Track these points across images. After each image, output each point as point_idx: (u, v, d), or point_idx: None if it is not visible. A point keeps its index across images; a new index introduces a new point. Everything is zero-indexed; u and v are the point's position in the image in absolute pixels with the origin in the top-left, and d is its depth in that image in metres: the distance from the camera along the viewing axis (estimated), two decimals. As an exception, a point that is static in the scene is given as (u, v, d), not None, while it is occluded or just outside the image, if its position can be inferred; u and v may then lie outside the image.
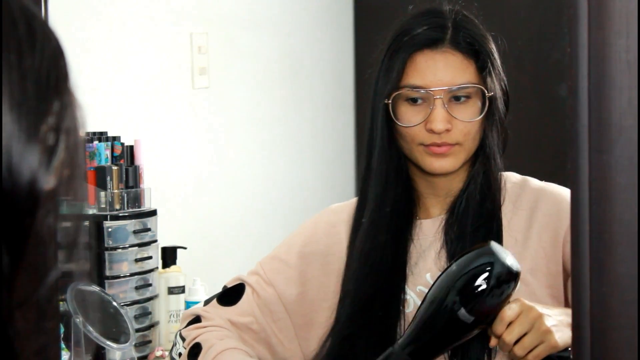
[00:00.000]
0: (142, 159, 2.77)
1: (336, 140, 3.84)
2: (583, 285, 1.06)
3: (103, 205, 2.66)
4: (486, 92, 1.78)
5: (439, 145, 1.77)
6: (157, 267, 2.76)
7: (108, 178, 2.67)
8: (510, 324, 1.65)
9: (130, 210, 2.69)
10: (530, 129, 3.46)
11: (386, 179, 1.82)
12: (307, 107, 3.72)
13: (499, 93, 1.81)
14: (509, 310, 1.65)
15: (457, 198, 1.83)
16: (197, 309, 1.93)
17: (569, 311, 1.68)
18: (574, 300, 1.08)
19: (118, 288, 2.63)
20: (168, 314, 2.76)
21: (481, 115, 1.78)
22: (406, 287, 1.82)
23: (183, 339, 1.88)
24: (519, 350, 1.64)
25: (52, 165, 0.72)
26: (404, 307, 1.80)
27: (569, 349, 1.68)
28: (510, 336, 1.64)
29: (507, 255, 1.66)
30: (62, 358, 2.26)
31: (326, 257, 1.88)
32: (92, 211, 2.65)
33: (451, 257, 1.79)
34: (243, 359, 1.81)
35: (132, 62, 3.11)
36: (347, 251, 1.86)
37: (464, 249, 1.78)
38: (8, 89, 0.69)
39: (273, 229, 3.49)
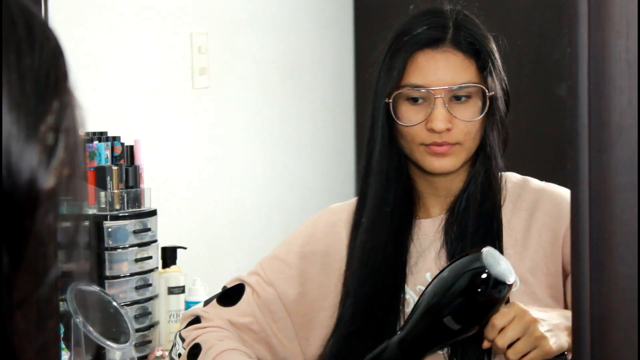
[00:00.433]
0: (142, 159, 2.77)
1: (336, 140, 3.84)
2: (583, 285, 1.06)
3: (103, 205, 2.66)
4: (487, 91, 1.78)
5: (439, 145, 1.77)
6: (157, 267, 2.76)
7: (108, 178, 2.67)
8: (503, 328, 1.64)
9: (130, 210, 2.69)
10: (530, 129, 3.46)
11: (387, 179, 1.82)
12: (307, 107, 3.72)
13: (499, 93, 1.81)
14: (501, 317, 1.64)
15: (457, 198, 1.83)
16: (197, 309, 1.92)
17: (567, 313, 1.68)
18: (574, 300, 1.08)
19: (118, 288, 2.63)
20: (168, 314, 2.76)
21: (482, 115, 1.78)
22: (406, 286, 1.82)
23: (183, 340, 1.88)
24: (511, 354, 1.64)
25: (51, 165, 0.72)
26: (403, 306, 1.81)
27: (565, 352, 1.68)
28: (502, 341, 1.64)
29: (500, 263, 1.65)
30: (62, 358, 2.26)
31: (326, 257, 1.88)
32: (92, 211, 2.65)
33: (451, 256, 1.80)
34: None
35: (132, 62, 3.11)
36: (347, 251, 1.86)
37: (464, 248, 1.78)
38: (7, 88, 0.69)
39: (273, 229, 3.49)
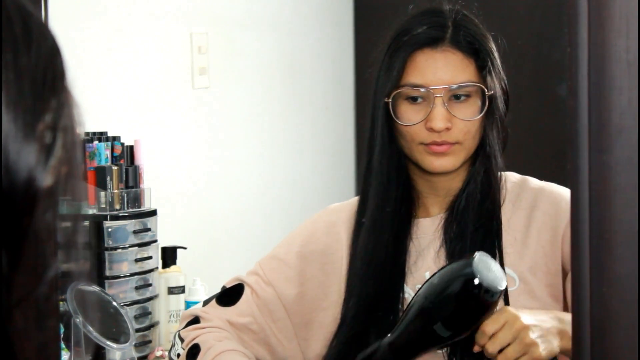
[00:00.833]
0: (142, 159, 2.77)
1: (336, 140, 3.84)
2: (583, 285, 1.06)
3: (103, 205, 2.66)
4: (486, 90, 1.78)
5: (439, 144, 1.77)
6: (157, 267, 2.76)
7: (108, 178, 2.67)
8: (494, 334, 1.64)
9: (130, 210, 2.69)
10: (530, 129, 3.46)
11: (387, 178, 1.82)
12: (307, 107, 3.72)
13: (499, 92, 1.80)
14: (492, 323, 1.64)
15: (456, 197, 1.83)
16: (196, 309, 1.92)
17: (562, 316, 1.68)
18: (573, 300, 1.08)
19: (118, 288, 2.63)
20: (168, 314, 2.76)
21: (481, 114, 1.78)
22: (405, 285, 1.82)
23: (182, 340, 1.88)
24: None
25: (49, 164, 0.72)
26: (403, 305, 1.80)
27: (557, 357, 1.68)
28: (492, 347, 1.64)
29: (491, 269, 1.64)
30: (62, 358, 2.26)
31: (325, 257, 1.88)
32: (92, 211, 2.65)
33: (450, 256, 1.80)
34: None
35: (132, 62, 3.11)
36: (350, 251, 1.86)
37: (464, 247, 1.78)
38: (4, 87, 0.69)
39: (273, 228, 3.49)
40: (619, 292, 1.04)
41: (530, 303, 1.78)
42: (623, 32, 1.03)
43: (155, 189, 2.84)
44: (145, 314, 2.68)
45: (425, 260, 1.83)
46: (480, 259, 1.64)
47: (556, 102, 3.48)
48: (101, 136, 2.74)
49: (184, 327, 1.89)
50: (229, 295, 1.91)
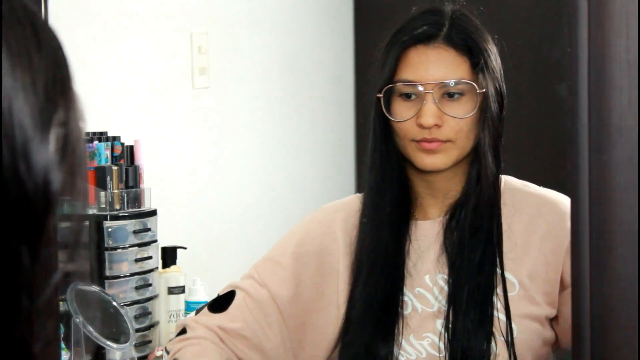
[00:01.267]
0: (142, 159, 2.77)
1: (336, 140, 3.84)
2: (583, 285, 1.06)
3: (103, 205, 2.66)
4: (477, 88, 1.77)
5: (429, 141, 1.76)
6: (157, 267, 2.76)
7: (108, 178, 2.67)
8: None
9: (130, 210, 2.69)
10: (530, 129, 3.46)
11: (382, 176, 1.82)
12: (307, 107, 3.72)
13: (492, 92, 1.79)
14: None
15: (456, 201, 1.82)
16: (187, 319, 1.92)
17: None
18: (573, 300, 1.08)
19: (118, 288, 2.63)
20: (168, 314, 2.76)
21: (472, 112, 1.77)
22: (405, 288, 1.81)
23: (167, 352, 1.88)
24: None
25: (61, 165, 0.73)
26: (402, 308, 1.80)
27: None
28: None
29: None
30: (62, 358, 2.26)
31: (321, 257, 1.88)
32: (92, 211, 2.65)
33: (451, 261, 1.79)
34: None
35: (132, 62, 3.11)
36: (354, 251, 1.85)
37: (464, 252, 1.78)
38: (23, 91, 0.69)
39: (273, 228, 3.49)
40: (619, 292, 1.04)
41: (530, 308, 1.78)
42: (623, 32, 1.03)
43: (155, 189, 2.84)
44: (145, 314, 2.68)
45: (425, 264, 1.82)
46: None
47: (556, 102, 3.48)
48: (101, 136, 2.74)
49: (174, 338, 1.90)
50: (221, 302, 1.90)
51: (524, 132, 3.35)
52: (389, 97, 1.79)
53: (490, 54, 1.80)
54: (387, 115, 1.79)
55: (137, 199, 2.72)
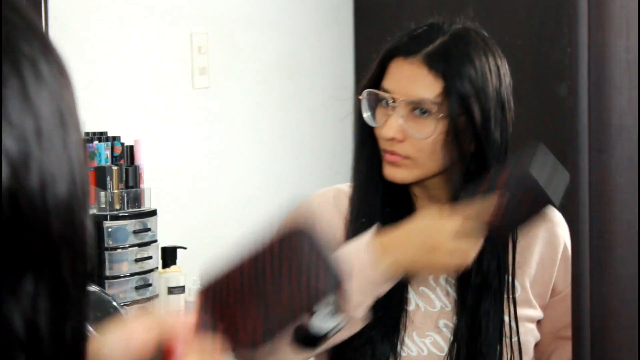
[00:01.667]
0: (142, 159, 2.77)
1: (336, 140, 3.84)
2: (583, 285, 1.06)
3: (103, 205, 2.66)
4: (436, 111, 1.71)
5: (390, 153, 1.75)
6: (157, 267, 2.76)
7: (108, 178, 2.67)
8: None
9: (130, 210, 2.69)
10: (530, 129, 3.46)
11: (365, 178, 1.82)
12: (306, 107, 3.72)
13: (477, 120, 1.72)
14: None
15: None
16: None
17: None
18: (574, 300, 1.08)
19: (118, 288, 2.63)
20: (168, 314, 2.76)
21: (431, 135, 1.72)
22: (409, 286, 1.81)
23: None
24: None
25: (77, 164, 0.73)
26: (407, 305, 1.80)
27: None
28: None
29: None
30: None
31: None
32: (92, 211, 2.65)
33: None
34: None
35: (132, 62, 3.11)
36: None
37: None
38: (52, 105, 0.70)
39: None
40: (619, 292, 1.04)
41: (528, 311, 1.80)
42: (623, 32, 1.03)
43: (155, 189, 2.84)
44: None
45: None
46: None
47: (556, 102, 3.48)
48: (101, 136, 2.74)
49: None
50: None
51: (523, 132, 3.34)
52: (375, 101, 1.79)
53: (474, 80, 1.73)
54: (364, 117, 1.79)
55: (137, 199, 2.72)
